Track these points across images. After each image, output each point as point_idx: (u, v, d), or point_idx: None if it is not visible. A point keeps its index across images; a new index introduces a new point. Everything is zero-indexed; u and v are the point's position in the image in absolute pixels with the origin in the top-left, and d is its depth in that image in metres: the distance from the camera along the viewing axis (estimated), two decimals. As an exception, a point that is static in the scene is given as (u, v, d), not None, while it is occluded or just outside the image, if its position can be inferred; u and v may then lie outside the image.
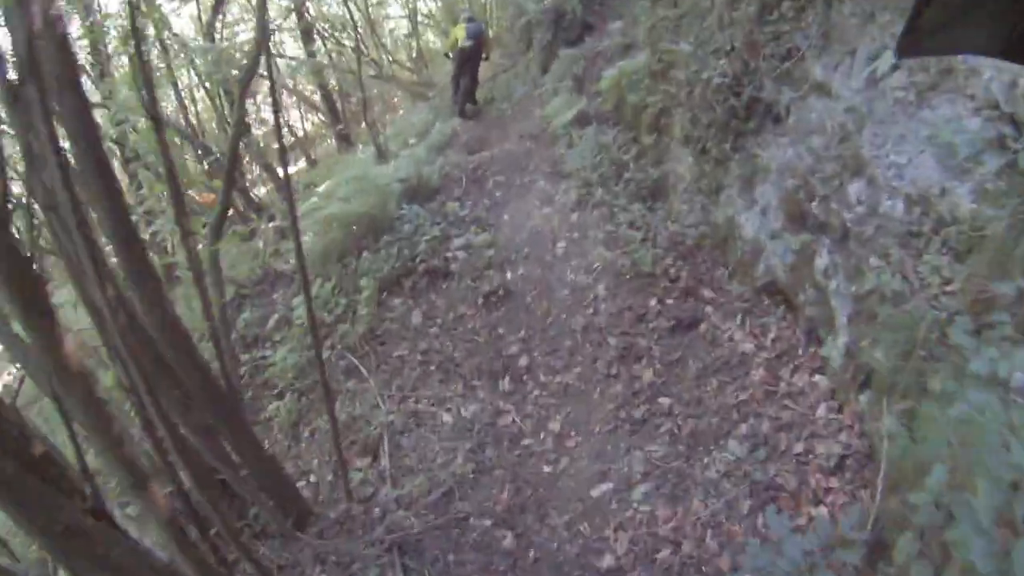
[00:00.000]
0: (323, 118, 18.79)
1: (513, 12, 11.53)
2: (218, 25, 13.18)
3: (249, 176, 17.96)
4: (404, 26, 19.75)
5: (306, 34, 15.41)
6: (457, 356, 4.88)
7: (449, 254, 5.78)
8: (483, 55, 10.77)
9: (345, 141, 16.79)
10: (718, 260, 4.56)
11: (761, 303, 4.14)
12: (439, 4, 18.61)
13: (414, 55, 19.68)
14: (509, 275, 5.34)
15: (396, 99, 20.84)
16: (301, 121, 21.82)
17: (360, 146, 13.74)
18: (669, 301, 4.40)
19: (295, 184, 14.67)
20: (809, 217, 3.73)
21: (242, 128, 4.30)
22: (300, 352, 5.95)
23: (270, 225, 11.16)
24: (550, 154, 7.03)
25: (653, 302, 4.43)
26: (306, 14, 15.04)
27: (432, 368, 4.91)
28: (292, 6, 14.33)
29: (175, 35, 14.33)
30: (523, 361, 4.57)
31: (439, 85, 15.21)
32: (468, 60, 10.33)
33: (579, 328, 4.57)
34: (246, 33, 16.99)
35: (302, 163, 20.89)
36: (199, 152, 12.75)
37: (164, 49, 10.90)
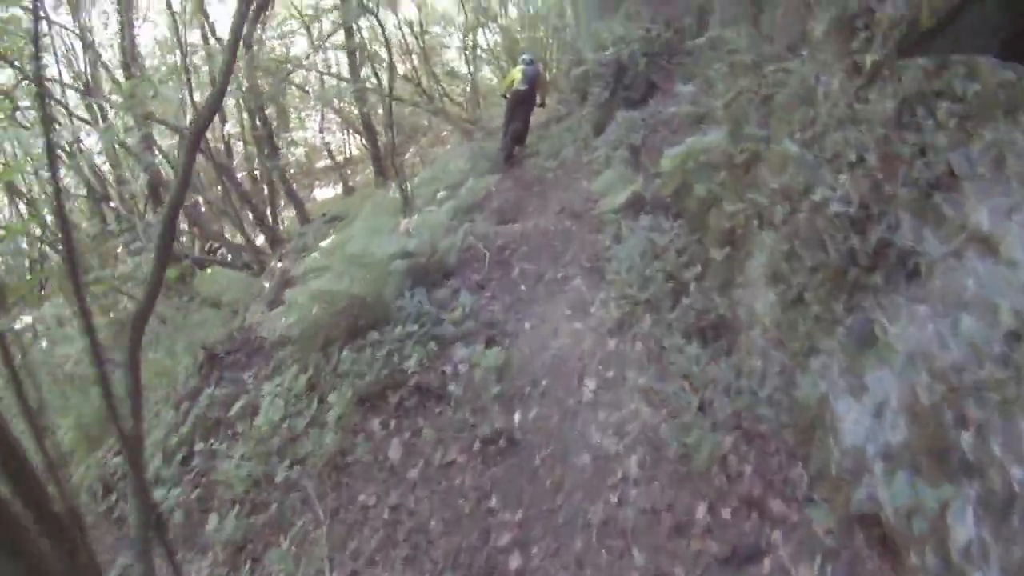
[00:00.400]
0: (365, 145, 17.88)
1: (571, 58, 10.50)
2: (258, 34, 12.44)
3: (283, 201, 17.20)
4: (459, 59, 18.91)
5: (352, 55, 14.58)
6: (433, 527, 3.67)
7: (449, 368, 4.62)
8: (538, 101, 10.20)
9: (382, 175, 15.94)
10: (796, 453, 3.28)
11: (851, 541, 2.86)
12: (499, 40, 17.70)
13: (468, 89, 18.80)
14: (518, 417, 4.13)
15: (446, 133, 20.02)
16: (345, 144, 21.10)
17: (392, 185, 12.82)
18: (724, 511, 3.13)
19: (319, 217, 13.72)
20: (953, 451, 2.46)
21: (184, 192, 3.19)
22: (258, 461, 4.86)
23: (278, 265, 10.17)
24: (592, 242, 5.85)
25: (701, 508, 3.17)
26: (356, 33, 14.22)
27: (399, 537, 3.71)
28: (340, 22, 13.53)
29: (218, 39, 13.69)
30: (514, 562, 3.33)
31: (487, 129, 14.39)
32: (521, 104, 9.94)
33: (596, 522, 3.34)
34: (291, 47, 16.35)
35: (340, 188, 20.13)
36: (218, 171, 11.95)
37: (184, 54, 10.22)
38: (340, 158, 20.70)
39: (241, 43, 12.24)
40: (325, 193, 21.71)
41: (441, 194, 8.83)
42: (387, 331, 4.93)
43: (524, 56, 10.24)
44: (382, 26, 9.63)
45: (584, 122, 8.85)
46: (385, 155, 13.79)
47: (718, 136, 4.85)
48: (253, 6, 13.41)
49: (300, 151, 22.13)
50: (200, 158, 13.62)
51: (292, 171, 23.84)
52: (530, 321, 4.98)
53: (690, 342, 3.98)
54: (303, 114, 19.71)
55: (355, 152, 21.82)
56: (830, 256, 3.00)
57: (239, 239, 12.01)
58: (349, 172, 20.80)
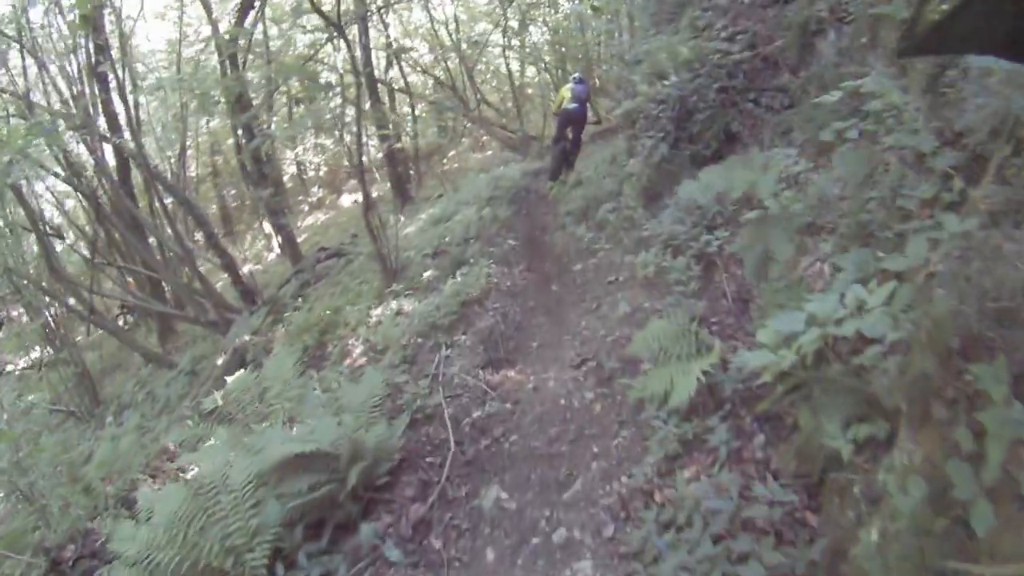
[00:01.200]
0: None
1: (621, 89, 8.03)
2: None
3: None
4: (501, 60, 16.53)
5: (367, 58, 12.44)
6: None
7: None
8: (592, 118, 10.48)
9: (400, 196, 13.78)
10: None
11: None
12: (549, 39, 15.25)
13: (512, 95, 16.39)
14: None
15: (485, 138, 17.79)
16: (367, 150, 19.02)
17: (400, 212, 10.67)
18: None
19: (316, 252, 11.53)
20: None
21: None
22: None
23: (247, 339, 7.94)
24: (623, 453, 3.40)
25: None
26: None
27: None
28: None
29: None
30: None
31: (527, 138, 12.32)
32: (572, 124, 9.46)
33: None
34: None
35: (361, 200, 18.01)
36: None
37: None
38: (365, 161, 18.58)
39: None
40: (351, 199, 19.75)
41: (428, 274, 6.46)
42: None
43: (574, 75, 9.78)
44: (350, 48, 7.22)
45: (631, 184, 6.28)
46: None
47: (869, 302, 2.40)
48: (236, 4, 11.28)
49: (327, 155, 20.25)
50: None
51: (322, 173, 22.06)
52: None
53: None
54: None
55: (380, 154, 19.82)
56: None
57: (210, 287, 9.89)
58: (376, 178, 18.76)
